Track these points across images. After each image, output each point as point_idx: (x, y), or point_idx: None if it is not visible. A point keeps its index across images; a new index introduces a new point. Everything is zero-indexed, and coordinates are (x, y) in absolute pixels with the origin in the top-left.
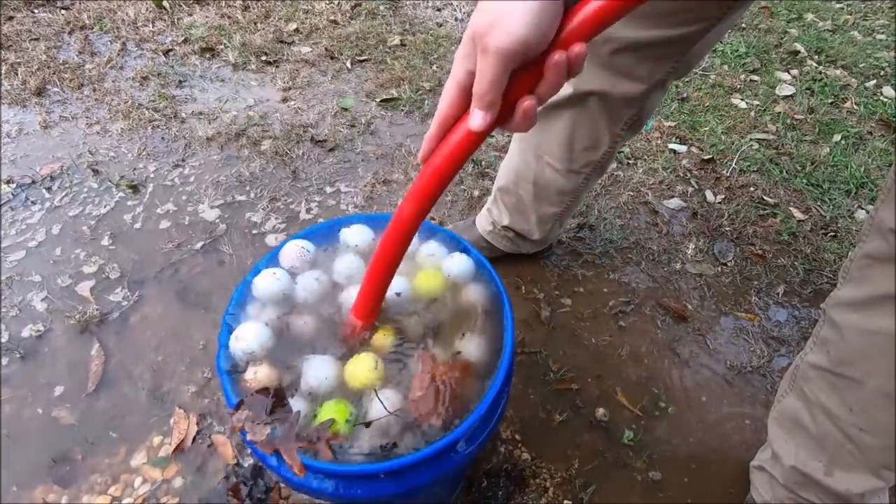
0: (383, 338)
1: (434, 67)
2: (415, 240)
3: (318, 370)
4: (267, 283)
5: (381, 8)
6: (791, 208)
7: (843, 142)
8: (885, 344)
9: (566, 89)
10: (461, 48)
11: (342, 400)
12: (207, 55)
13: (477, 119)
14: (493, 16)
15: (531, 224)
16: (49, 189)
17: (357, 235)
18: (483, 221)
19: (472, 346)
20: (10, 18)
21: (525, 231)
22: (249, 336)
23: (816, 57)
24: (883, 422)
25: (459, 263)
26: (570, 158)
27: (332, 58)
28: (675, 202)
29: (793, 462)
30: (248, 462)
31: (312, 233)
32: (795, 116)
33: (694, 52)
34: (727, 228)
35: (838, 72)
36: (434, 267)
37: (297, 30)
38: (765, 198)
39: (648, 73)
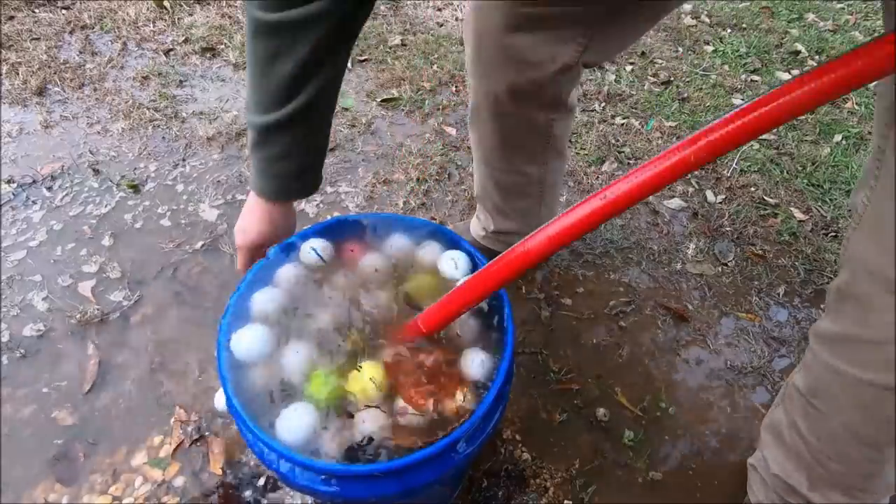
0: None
1: (435, 67)
2: (413, 240)
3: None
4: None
5: (382, 8)
6: (792, 208)
7: (843, 142)
8: (851, 386)
9: (479, 91)
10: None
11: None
12: (208, 55)
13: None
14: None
15: (517, 221)
16: (50, 189)
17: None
18: (476, 228)
19: (471, 347)
20: (11, 18)
21: (513, 229)
22: (249, 340)
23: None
24: (849, 454)
25: (458, 263)
26: (512, 157)
27: None
28: (675, 202)
29: (778, 471)
30: (243, 468)
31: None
32: None
33: (600, 37)
34: (728, 228)
35: None
36: (430, 268)
37: None
38: (765, 198)
39: (550, 58)
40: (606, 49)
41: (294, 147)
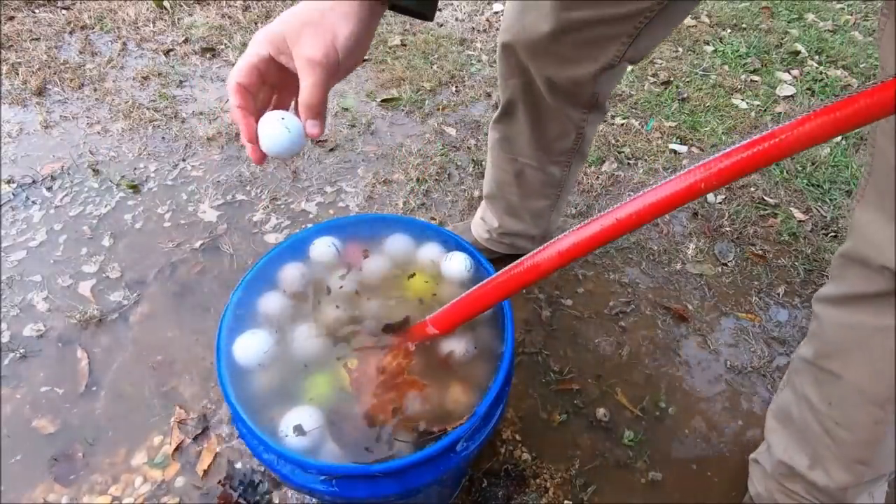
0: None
1: (435, 67)
2: (413, 241)
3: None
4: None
5: None
6: (791, 208)
7: (843, 142)
8: (862, 338)
9: (515, 86)
10: (270, 35)
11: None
12: (208, 55)
13: (314, 128)
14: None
15: (526, 222)
16: (50, 189)
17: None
18: (479, 230)
19: (471, 347)
20: (11, 18)
21: (521, 231)
22: (249, 342)
23: (817, 57)
24: (857, 417)
25: (458, 263)
26: (543, 152)
27: None
28: None
29: (781, 454)
30: (243, 468)
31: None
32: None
33: (643, 37)
34: (727, 229)
35: (839, 72)
36: (430, 268)
37: None
38: (765, 198)
39: (592, 58)
40: (649, 45)
41: None
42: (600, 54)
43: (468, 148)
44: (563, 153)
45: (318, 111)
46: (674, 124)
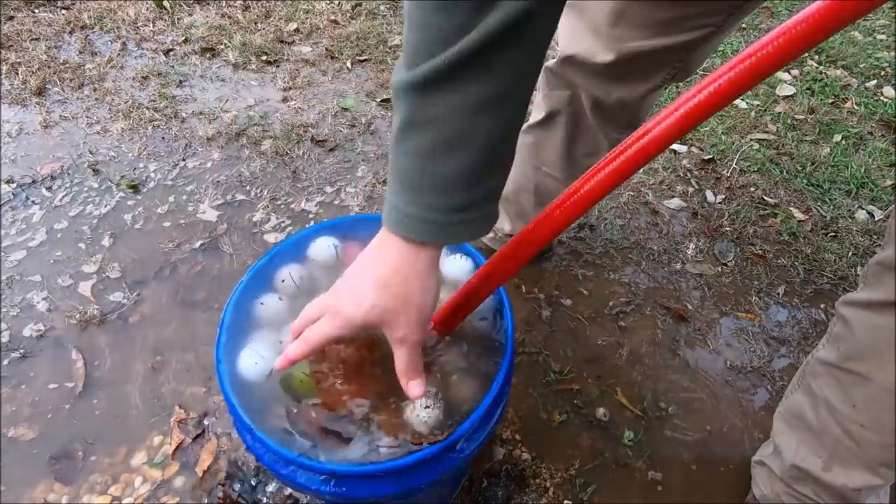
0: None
1: None
2: None
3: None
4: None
5: (382, 8)
6: (791, 208)
7: (843, 142)
8: (894, 339)
9: (560, 98)
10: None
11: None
12: (208, 55)
13: (416, 389)
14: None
15: None
16: (49, 189)
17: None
18: None
19: (471, 346)
20: (11, 18)
21: None
22: (252, 347)
23: (817, 57)
24: (884, 419)
25: (459, 265)
26: (570, 167)
27: (332, 58)
28: (675, 202)
29: (792, 457)
30: (243, 468)
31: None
32: (796, 116)
33: (693, 58)
34: (727, 228)
35: (839, 72)
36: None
37: (297, 30)
38: (765, 198)
39: (644, 80)
40: (699, 63)
41: (476, 119)
42: (653, 76)
43: None
44: (587, 169)
45: (418, 373)
46: None
